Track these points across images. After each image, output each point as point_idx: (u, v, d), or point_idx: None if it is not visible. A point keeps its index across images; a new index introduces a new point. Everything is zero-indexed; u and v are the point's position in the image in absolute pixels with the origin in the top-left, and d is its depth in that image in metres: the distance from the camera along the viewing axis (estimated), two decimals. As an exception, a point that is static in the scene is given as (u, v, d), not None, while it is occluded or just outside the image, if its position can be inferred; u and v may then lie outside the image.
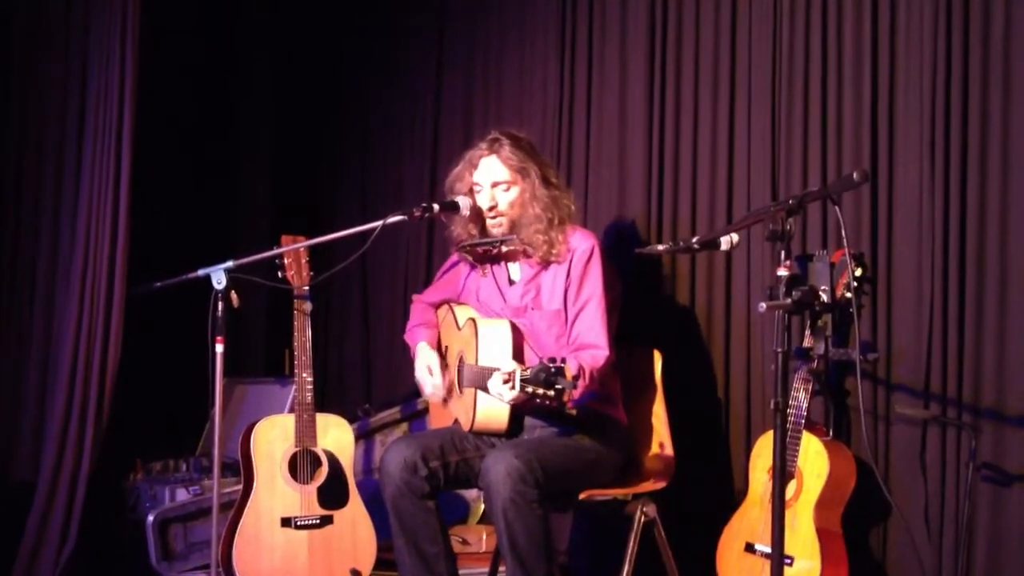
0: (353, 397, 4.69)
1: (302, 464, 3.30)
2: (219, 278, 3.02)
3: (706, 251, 2.76)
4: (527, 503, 2.72)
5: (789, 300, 2.26)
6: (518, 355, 2.97)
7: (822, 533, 2.89)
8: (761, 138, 3.41)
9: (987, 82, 2.94)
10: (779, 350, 2.26)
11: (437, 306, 3.37)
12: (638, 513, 2.98)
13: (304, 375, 3.31)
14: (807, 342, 2.98)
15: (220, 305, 3.03)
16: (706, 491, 3.41)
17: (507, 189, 3.05)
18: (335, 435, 3.37)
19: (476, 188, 3.08)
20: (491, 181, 3.05)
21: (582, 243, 3.03)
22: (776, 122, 3.37)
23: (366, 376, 4.80)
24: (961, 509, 2.93)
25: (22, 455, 3.70)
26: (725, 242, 2.51)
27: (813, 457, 2.93)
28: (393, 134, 4.74)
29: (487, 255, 3.17)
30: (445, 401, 3.21)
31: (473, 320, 3.03)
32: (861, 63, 3.19)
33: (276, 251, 3.28)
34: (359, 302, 4.84)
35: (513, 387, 2.63)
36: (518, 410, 2.95)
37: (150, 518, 3.59)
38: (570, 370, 2.61)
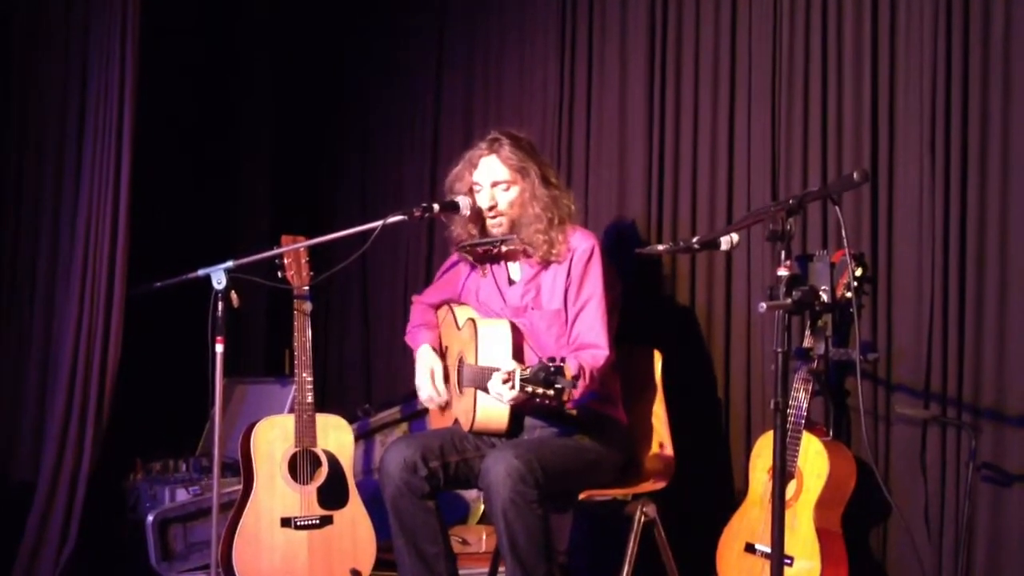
0: (353, 397, 4.69)
1: (302, 464, 3.30)
2: (219, 278, 3.02)
3: (706, 251, 2.76)
4: (527, 503, 2.72)
5: (789, 300, 2.26)
6: (518, 355, 2.97)
7: (822, 533, 2.89)
8: (761, 138, 3.41)
9: (987, 82, 2.94)
10: (779, 350, 2.26)
11: (437, 307, 3.37)
12: (638, 513, 2.98)
13: (304, 375, 3.31)
14: (807, 342, 2.98)
15: (220, 305, 3.03)
16: (706, 491, 3.41)
17: (507, 189, 3.05)
18: (335, 435, 3.37)
19: (476, 188, 3.08)
20: (491, 181, 3.05)
21: (582, 243, 3.03)
22: (776, 122, 3.37)
23: (366, 376, 4.80)
24: (961, 509, 2.93)
25: (22, 455, 3.70)
26: (725, 242, 2.51)
27: (813, 457, 2.93)
28: (393, 134, 4.74)
29: (487, 255, 3.17)
30: (442, 409, 3.21)
31: (473, 320, 3.03)
32: (861, 63, 3.19)
33: (276, 251, 3.28)
34: (359, 302, 4.84)
35: (513, 387, 2.63)
36: (518, 410, 2.95)
37: (150, 518, 3.59)
38: (570, 370, 2.62)
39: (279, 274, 3.38)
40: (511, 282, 3.16)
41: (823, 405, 3.16)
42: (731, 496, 3.35)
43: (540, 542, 2.75)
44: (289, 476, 3.28)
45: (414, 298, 3.45)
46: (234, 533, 3.23)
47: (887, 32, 3.14)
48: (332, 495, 3.33)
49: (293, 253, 3.36)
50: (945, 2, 2.99)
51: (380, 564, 3.35)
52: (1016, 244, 2.89)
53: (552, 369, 2.56)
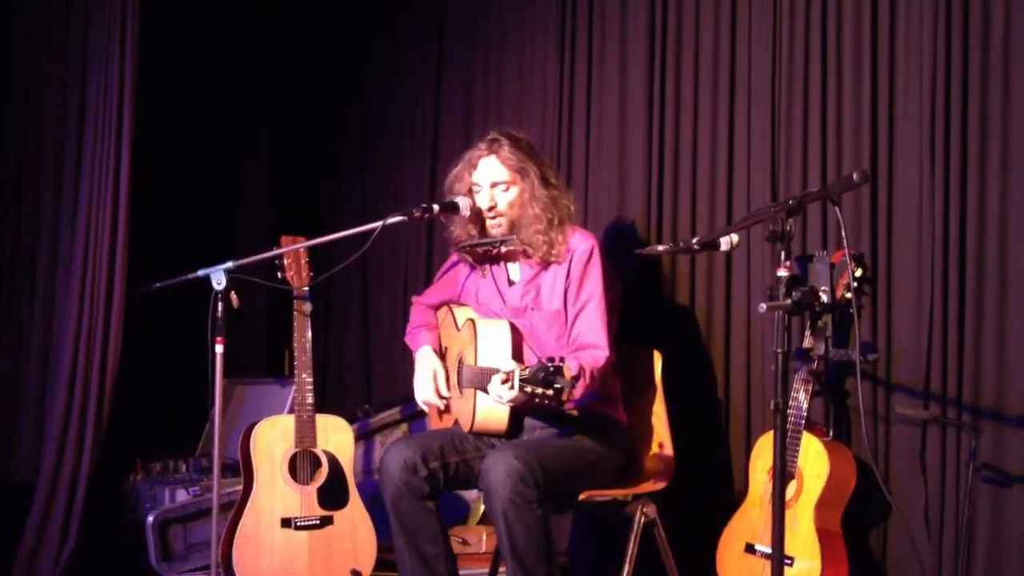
0: (353, 398, 4.69)
1: (302, 465, 3.30)
2: (219, 279, 3.02)
3: (706, 252, 2.76)
4: (527, 504, 2.72)
5: (789, 301, 2.26)
6: (517, 355, 2.97)
7: (822, 533, 2.89)
8: (761, 138, 3.41)
9: (987, 83, 2.94)
10: (779, 351, 2.26)
11: (437, 307, 3.37)
12: (638, 513, 2.98)
13: (304, 376, 3.31)
14: (807, 343, 2.98)
15: (220, 306, 3.03)
16: (706, 491, 3.41)
17: (506, 189, 3.05)
18: (335, 436, 3.37)
19: (475, 188, 3.08)
20: (490, 181, 3.05)
21: (582, 243, 3.03)
22: (776, 122, 3.37)
23: (366, 376, 4.80)
24: (961, 509, 2.93)
25: (22, 455, 3.70)
26: (725, 243, 2.51)
27: (813, 457, 2.93)
28: (393, 134, 4.73)
29: (487, 255, 3.17)
30: (440, 414, 3.21)
31: (472, 321, 3.03)
32: (861, 63, 3.19)
33: (276, 251, 3.28)
34: (359, 302, 4.84)
35: (512, 387, 2.63)
36: (518, 411, 2.95)
37: (150, 519, 3.59)
38: (570, 370, 2.62)
39: (279, 275, 3.38)
40: (511, 283, 3.16)
41: (823, 405, 3.16)
42: (731, 496, 3.35)
43: (540, 542, 2.75)
44: (289, 477, 3.28)
45: (414, 299, 3.45)
46: (234, 534, 3.23)
47: (887, 33, 3.14)
48: (332, 496, 3.33)
49: (293, 254, 3.36)
50: (945, 3, 2.99)
51: (380, 564, 3.35)
52: (1016, 245, 2.89)
53: (551, 369, 2.56)
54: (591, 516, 3.63)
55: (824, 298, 2.91)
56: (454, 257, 3.28)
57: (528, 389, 2.58)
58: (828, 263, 2.99)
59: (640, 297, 3.52)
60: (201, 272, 3.06)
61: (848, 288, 2.92)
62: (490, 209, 3.05)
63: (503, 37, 4.27)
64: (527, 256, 3.08)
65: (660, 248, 2.62)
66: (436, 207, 3.04)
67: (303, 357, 3.33)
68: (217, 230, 4.78)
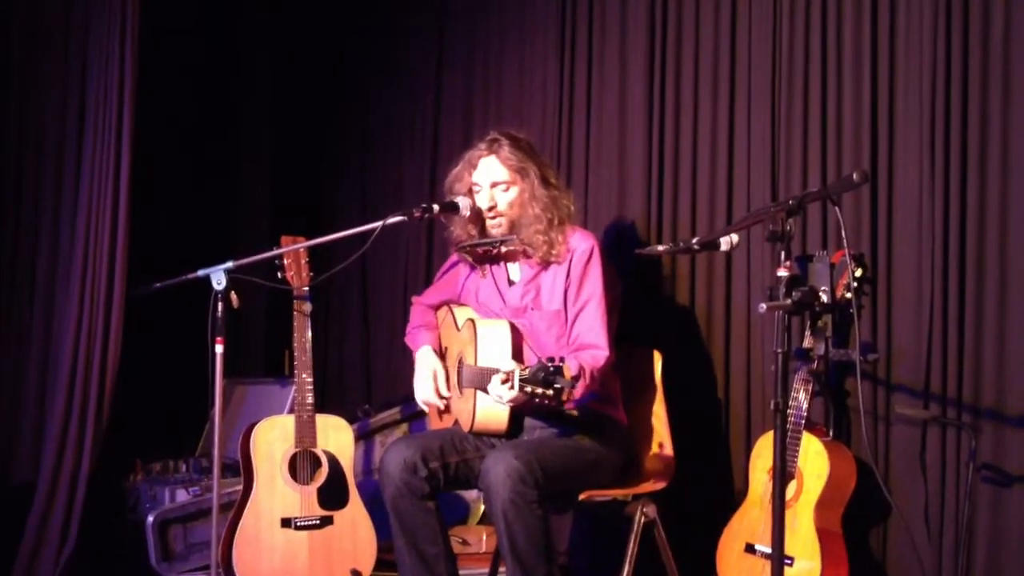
0: (353, 398, 4.69)
1: (302, 465, 3.30)
2: (219, 279, 3.02)
3: (706, 252, 2.76)
4: (527, 504, 2.72)
5: (789, 301, 2.26)
6: (517, 355, 2.97)
7: (822, 533, 2.89)
8: (761, 138, 3.41)
9: (987, 84, 2.94)
10: (779, 351, 2.26)
11: (437, 307, 3.37)
12: (638, 514, 2.98)
13: (304, 376, 3.31)
14: (807, 343, 2.98)
15: (220, 306, 3.03)
16: (706, 491, 3.41)
17: (506, 189, 3.05)
18: (335, 436, 3.37)
19: (475, 188, 3.08)
20: (490, 181, 3.05)
21: (582, 243, 3.03)
22: (776, 122, 3.37)
23: (366, 376, 4.80)
24: (961, 509, 2.93)
25: (22, 455, 3.70)
26: (725, 243, 2.51)
27: (813, 457, 2.93)
28: (393, 134, 4.73)
29: (487, 255, 3.17)
30: (440, 414, 3.21)
31: (472, 321, 3.03)
32: (861, 63, 3.19)
33: (276, 251, 3.28)
34: (359, 302, 4.84)
35: (512, 387, 2.63)
36: (518, 411, 2.95)
37: (150, 519, 3.59)
38: (570, 370, 2.62)
39: (279, 275, 3.38)
40: (511, 283, 3.16)
41: (823, 405, 3.16)
42: (731, 496, 3.35)
43: (540, 542, 2.75)
44: (289, 477, 3.28)
45: (414, 299, 3.45)
46: (234, 534, 3.23)
47: (887, 33, 3.14)
48: (332, 496, 3.33)
49: (293, 254, 3.36)
50: (945, 3, 2.99)
51: (380, 564, 3.35)
52: (1016, 245, 2.89)
53: (551, 369, 2.56)
54: (591, 516, 3.63)
55: (824, 298, 2.91)
56: (454, 257, 3.28)
57: (528, 389, 2.58)
58: (828, 263, 2.99)
59: (640, 297, 3.52)
60: (201, 272, 3.06)
61: (848, 288, 2.92)
62: (490, 209, 3.05)
63: (503, 37, 4.27)
64: (527, 256, 3.08)
65: (660, 248, 2.62)
66: (436, 207, 3.04)
67: (303, 357, 3.33)
68: (217, 230, 4.78)
